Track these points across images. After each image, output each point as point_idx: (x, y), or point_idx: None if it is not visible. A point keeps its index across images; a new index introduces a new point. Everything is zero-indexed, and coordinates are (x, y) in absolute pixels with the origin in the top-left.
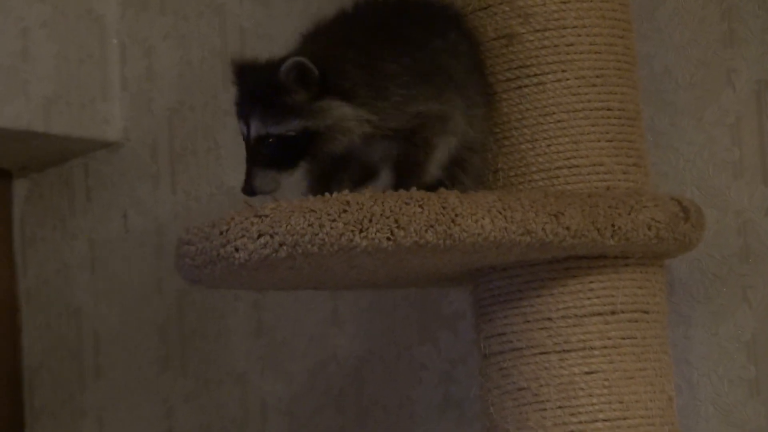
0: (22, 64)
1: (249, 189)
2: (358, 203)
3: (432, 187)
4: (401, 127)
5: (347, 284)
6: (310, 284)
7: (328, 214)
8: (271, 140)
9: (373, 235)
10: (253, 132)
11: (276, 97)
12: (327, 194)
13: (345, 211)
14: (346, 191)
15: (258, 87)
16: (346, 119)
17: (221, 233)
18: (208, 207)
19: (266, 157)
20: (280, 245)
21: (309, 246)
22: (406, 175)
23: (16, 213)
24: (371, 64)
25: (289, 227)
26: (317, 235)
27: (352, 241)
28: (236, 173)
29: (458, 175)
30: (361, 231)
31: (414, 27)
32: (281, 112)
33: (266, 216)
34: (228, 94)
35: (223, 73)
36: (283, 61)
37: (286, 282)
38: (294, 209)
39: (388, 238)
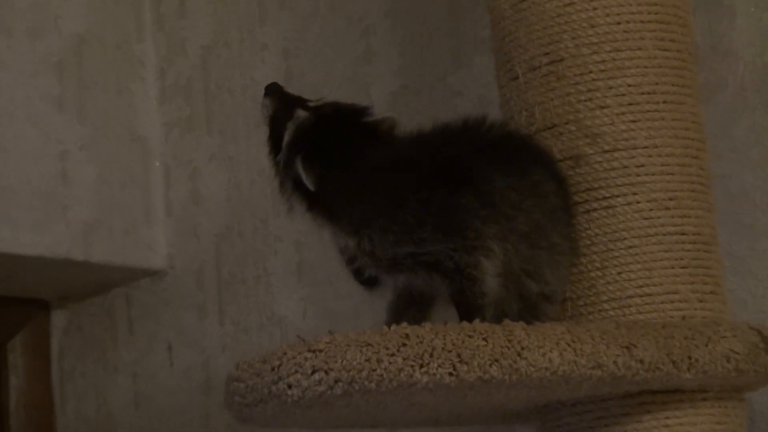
0: (62, 188)
1: None
2: (417, 336)
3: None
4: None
5: (407, 421)
6: (367, 422)
7: (386, 348)
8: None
9: (435, 370)
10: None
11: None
12: (385, 326)
13: (404, 344)
14: (404, 324)
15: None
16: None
17: (273, 369)
18: (258, 339)
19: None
20: (336, 382)
21: (366, 382)
22: (463, 308)
23: (55, 346)
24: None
25: (344, 362)
26: (375, 370)
27: (412, 377)
28: (288, 302)
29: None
30: (421, 366)
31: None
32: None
33: (320, 350)
34: (278, 219)
35: (273, 196)
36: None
37: (343, 420)
38: (350, 343)
39: (450, 374)
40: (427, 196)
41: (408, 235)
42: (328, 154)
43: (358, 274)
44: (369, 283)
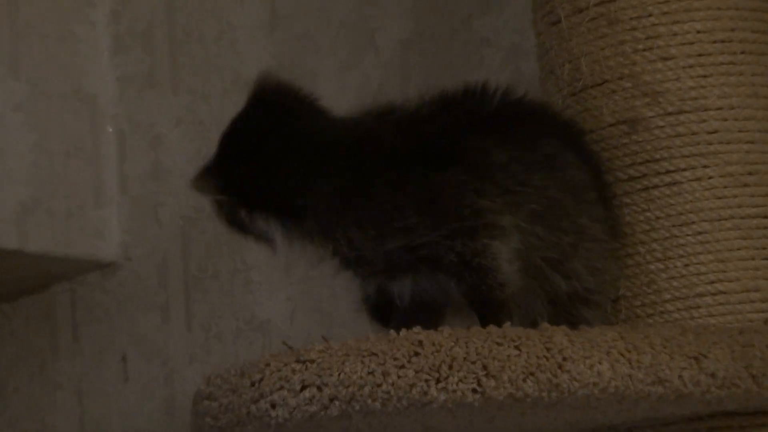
0: None
1: None
2: (434, 344)
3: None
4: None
5: None
6: None
7: (395, 359)
8: None
9: (455, 386)
10: None
11: None
12: (393, 332)
13: (417, 354)
14: (417, 328)
15: None
16: None
17: (253, 384)
18: (234, 347)
19: None
20: (331, 400)
21: (369, 401)
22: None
23: None
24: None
25: (342, 376)
26: (380, 386)
27: (426, 394)
28: (272, 302)
29: None
30: (438, 381)
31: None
32: None
33: (312, 361)
34: None
35: None
36: None
37: None
38: (349, 352)
39: (474, 390)
40: (397, 176)
41: (389, 224)
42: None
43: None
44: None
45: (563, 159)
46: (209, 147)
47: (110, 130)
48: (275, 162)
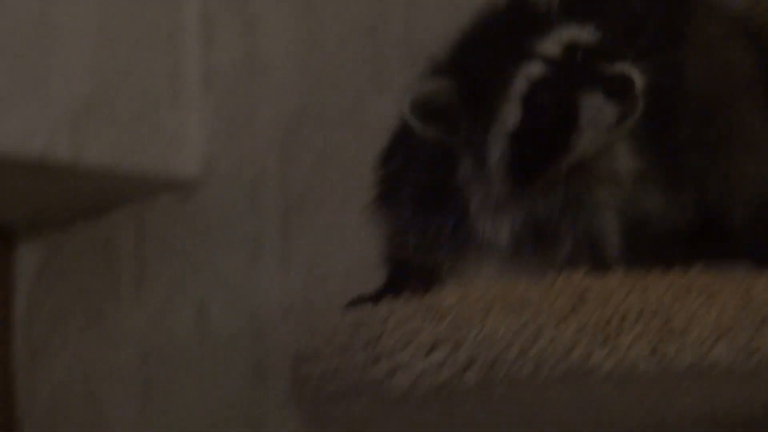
0: (37, 46)
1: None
2: (604, 290)
3: None
4: None
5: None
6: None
7: (553, 310)
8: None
9: (626, 349)
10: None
11: None
12: (550, 276)
13: (583, 302)
14: (581, 271)
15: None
16: None
17: (369, 343)
18: (344, 295)
19: None
20: (469, 364)
21: (517, 366)
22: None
23: (19, 299)
24: None
25: (484, 333)
26: (532, 347)
27: (589, 358)
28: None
29: None
30: (605, 341)
31: None
32: None
33: (446, 313)
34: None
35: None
36: None
37: (478, 427)
38: (493, 302)
39: (653, 353)
40: None
41: None
42: None
43: None
44: None
45: None
46: (319, 31)
47: (192, 8)
48: None
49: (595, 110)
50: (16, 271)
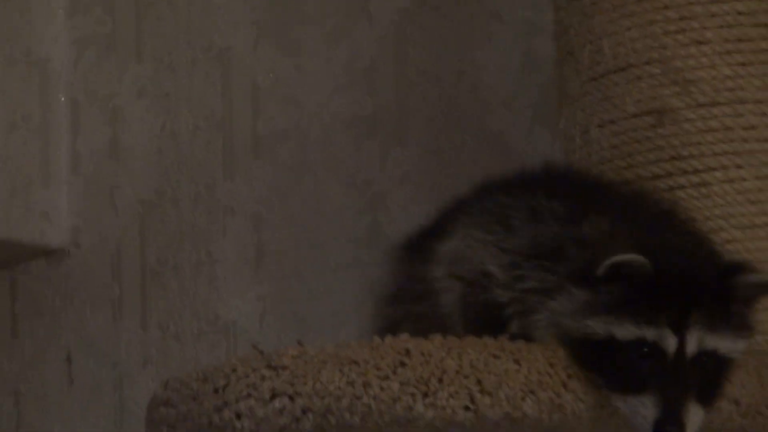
0: None
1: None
2: (423, 354)
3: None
4: None
5: None
6: None
7: (378, 369)
8: (711, 361)
9: (444, 402)
10: (694, 346)
11: (726, 309)
12: (377, 338)
13: (403, 364)
14: (405, 335)
15: (703, 286)
16: None
17: (216, 391)
18: (195, 350)
19: (699, 385)
20: (304, 412)
21: (347, 415)
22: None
23: None
24: None
25: (318, 386)
26: (360, 399)
27: (412, 409)
28: (240, 301)
29: None
30: (425, 395)
31: None
32: (733, 331)
33: (284, 368)
34: (232, 183)
35: (225, 151)
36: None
37: None
38: (326, 359)
39: (467, 408)
40: None
41: None
42: None
43: None
44: None
45: None
46: (174, 123)
47: (63, 99)
48: None
49: None
50: None
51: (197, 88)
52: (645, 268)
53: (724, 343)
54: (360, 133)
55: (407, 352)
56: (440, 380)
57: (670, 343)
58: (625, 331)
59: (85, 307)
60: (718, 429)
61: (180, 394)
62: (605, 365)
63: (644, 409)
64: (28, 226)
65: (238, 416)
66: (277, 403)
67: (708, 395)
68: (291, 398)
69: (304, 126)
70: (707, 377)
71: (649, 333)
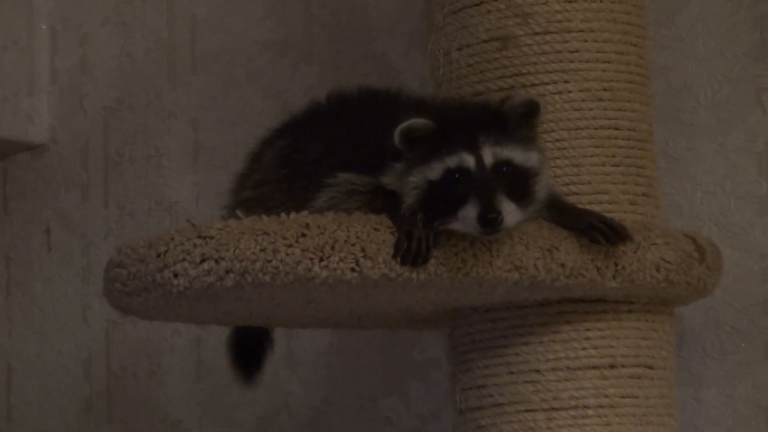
0: None
1: (497, 220)
2: (319, 227)
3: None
4: None
5: (304, 321)
6: (259, 320)
7: (284, 239)
8: (510, 169)
9: (335, 264)
10: (490, 158)
11: (507, 129)
12: (284, 214)
13: (304, 235)
14: (305, 213)
15: (483, 119)
16: None
17: (158, 255)
18: (145, 224)
19: (505, 187)
20: (227, 272)
21: (260, 274)
22: None
23: None
24: None
25: (237, 251)
26: (270, 262)
27: (310, 270)
28: (180, 186)
29: None
30: (321, 259)
31: None
32: (519, 143)
33: (211, 237)
34: (175, 93)
35: (170, 68)
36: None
37: (233, 316)
38: (244, 231)
39: (353, 269)
40: None
41: None
42: None
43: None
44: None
45: None
46: (131, 45)
47: (44, 26)
48: None
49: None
50: None
51: (149, 18)
52: (428, 124)
53: (515, 154)
54: (275, 54)
55: (307, 225)
56: (332, 247)
57: (469, 160)
58: (435, 171)
59: (60, 190)
60: (549, 288)
61: (130, 258)
62: (436, 206)
63: (469, 213)
64: (16, 126)
65: (175, 275)
66: (205, 266)
67: (518, 196)
68: (216, 261)
69: (231, 48)
70: (513, 183)
71: (451, 161)
